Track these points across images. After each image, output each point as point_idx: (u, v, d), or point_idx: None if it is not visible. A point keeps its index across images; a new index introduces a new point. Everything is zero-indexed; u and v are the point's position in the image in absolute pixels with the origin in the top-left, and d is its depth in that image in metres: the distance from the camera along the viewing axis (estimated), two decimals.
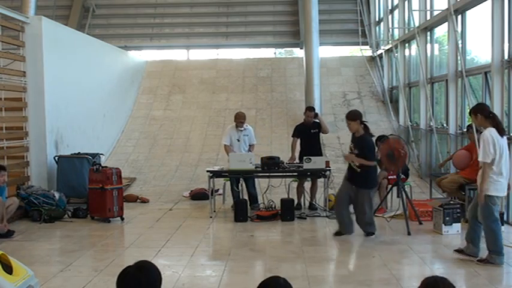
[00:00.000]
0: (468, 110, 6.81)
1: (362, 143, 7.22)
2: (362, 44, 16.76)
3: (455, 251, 6.49)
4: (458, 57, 9.59)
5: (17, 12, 9.79)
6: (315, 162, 8.81)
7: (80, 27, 17.09)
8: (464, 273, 5.88)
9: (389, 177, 8.88)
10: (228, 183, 9.75)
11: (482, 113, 6.13)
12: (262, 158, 8.93)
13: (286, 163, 9.18)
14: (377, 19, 16.65)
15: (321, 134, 9.61)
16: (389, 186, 8.73)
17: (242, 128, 9.40)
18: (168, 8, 18.12)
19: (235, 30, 17.80)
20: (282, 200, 8.77)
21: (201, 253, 6.80)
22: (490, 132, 5.96)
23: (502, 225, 7.49)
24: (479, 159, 6.02)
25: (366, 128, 7.32)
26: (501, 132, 6.04)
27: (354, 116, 7.26)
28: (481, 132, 6.41)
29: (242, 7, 18.06)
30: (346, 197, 7.39)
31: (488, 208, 6.02)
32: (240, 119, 9.38)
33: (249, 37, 17.75)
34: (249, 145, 9.53)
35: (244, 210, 8.60)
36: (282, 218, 8.55)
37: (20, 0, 14.03)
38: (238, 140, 9.40)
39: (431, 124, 11.06)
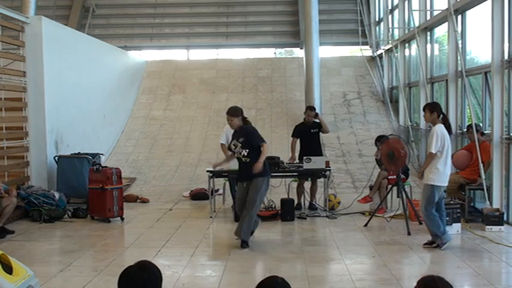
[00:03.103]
0: (422, 106, 7.32)
1: (244, 130, 7.01)
2: (362, 44, 16.76)
3: (425, 245, 6.83)
4: (458, 57, 9.59)
5: (17, 12, 9.79)
6: (315, 162, 8.82)
7: (80, 27, 17.09)
8: (464, 273, 5.87)
9: (389, 177, 8.87)
10: (228, 183, 9.74)
11: (438, 112, 6.74)
12: None
13: (286, 163, 9.17)
14: (377, 19, 16.65)
15: (321, 134, 9.61)
16: (389, 186, 8.73)
17: None
18: (168, 8, 18.13)
19: (235, 30, 17.80)
20: (282, 200, 8.77)
21: (201, 253, 6.79)
22: (440, 127, 6.64)
23: (502, 225, 7.55)
24: (431, 150, 6.58)
25: (246, 122, 7.13)
26: (450, 131, 6.77)
27: (236, 112, 7.06)
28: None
29: (242, 7, 18.06)
30: (244, 198, 7.01)
31: (433, 196, 6.64)
32: None
33: (249, 37, 17.75)
34: None
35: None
36: (282, 218, 8.55)
37: (20, 0, 14.03)
38: None
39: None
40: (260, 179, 6.87)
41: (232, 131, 9.29)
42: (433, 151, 6.57)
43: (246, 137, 6.96)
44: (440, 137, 6.58)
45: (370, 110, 14.60)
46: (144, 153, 13.32)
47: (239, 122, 7.07)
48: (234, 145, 7.08)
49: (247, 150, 6.91)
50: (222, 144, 9.41)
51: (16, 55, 9.90)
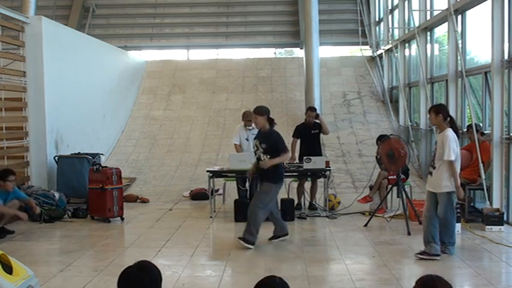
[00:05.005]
0: (429, 108, 7.07)
1: (270, 137, 7.01)
2: (362, 44, 16.76)
3: (417, 254, 6.37)
4: (458, 57, 9.59)
5: (17, 12, 9.80)
6: (315, 162, 8.81)
7: (80, 27, 17.09)
8: (464, 273, 5.88)
9: (389, 177, 8.88)
10: (228, 183, 9.75)
11: (444, 114, 6.41)
12: None
13: (287, 163, 9.16)
14: (377, 19, 16.65)
15: (321, 135, 9.61)
16: (389, 186, 8.73)
17: (250, 127, 9.34)
18: (168, 8, 18.13)
19: (235, 30, 17.80)
20: (282, 200, 8.76)
21: (201, 253, 6.79)
22: (451, 132, 6.30)
23: (502, 225, 7.54)
24: (450, 158, 6.19)
25: (272, 123, 7.10)
26: (457, 134, 6.40)
27: (260, 111, 7.05)
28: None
29: (242, 7, 18.06)
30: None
31: (452, 203, 6.39)
32: (247, 118, 9.32)
33: (249, 37, 17.75)
34: None
35: (244, 210, 8.58)
36: (282, 218, 8.51)
37: (20, 0, 14.04)
38: (247, 139, 9.32)
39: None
40: (268, 184, 6.99)
41: (244, 131, 9.33)
42: (453, 158, 6.20)
43: (269, 144, 6.95)
44: (454, 141, 6.25)
45: (370, 110, 14.60)
46: (144, 153, 13.32)
47: (263, 121, 7.02)
48: (256, 146, 7.16)
49: (269, 156, 6.95)
50: (235, 145, 9.41)
51: (16, 55, 9.91)
